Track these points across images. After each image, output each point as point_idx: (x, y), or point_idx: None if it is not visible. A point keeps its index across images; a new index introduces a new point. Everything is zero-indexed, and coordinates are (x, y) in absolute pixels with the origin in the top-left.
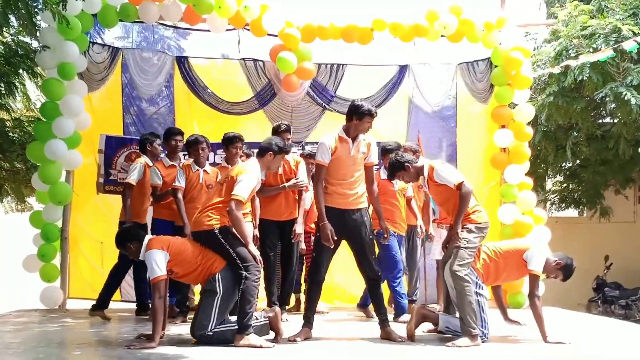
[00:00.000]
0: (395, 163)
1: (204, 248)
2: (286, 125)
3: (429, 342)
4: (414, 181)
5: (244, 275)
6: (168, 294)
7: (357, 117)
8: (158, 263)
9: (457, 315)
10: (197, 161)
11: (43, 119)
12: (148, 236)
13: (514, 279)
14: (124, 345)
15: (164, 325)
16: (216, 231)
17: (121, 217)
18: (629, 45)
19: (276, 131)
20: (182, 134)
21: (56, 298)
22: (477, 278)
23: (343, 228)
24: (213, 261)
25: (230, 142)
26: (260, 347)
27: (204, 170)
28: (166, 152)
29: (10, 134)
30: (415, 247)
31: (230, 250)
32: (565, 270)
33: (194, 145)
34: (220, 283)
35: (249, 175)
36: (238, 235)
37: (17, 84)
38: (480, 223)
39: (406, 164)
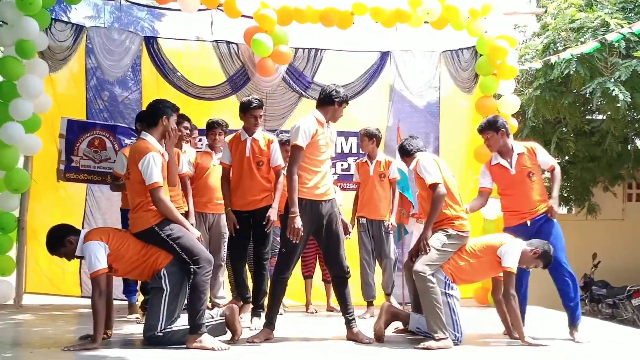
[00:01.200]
0: (399, 148)
1: (147, 243)
2: (258, 100)
3: (398, 343)
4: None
5: (192, 269)
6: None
7: (338, 102)
8: (97, 256)
9: None
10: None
11: None
12: (85, 229)
13: (489, 277)
14: (62, 346)
15: (111, 324)
16: (155, 227)
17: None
18: (612, 37)
19: (247, 107)
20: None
21: (8, 293)
22: (445, 278)
23: (317, 221)
24: (157, 256)
25: (209, 128)
26: (213, 349)
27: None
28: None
29: None
30: (382, 238)
31: (174, 245)
32: (544, 258)
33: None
34: (167, 279)
35: (147, 157)
36: (172, 218)
37: None
38: (461, 231)
39: (400, 153)
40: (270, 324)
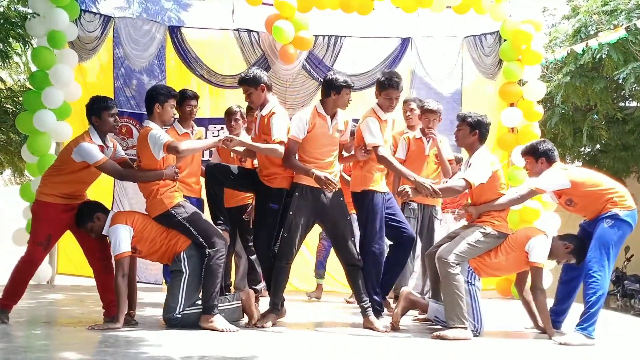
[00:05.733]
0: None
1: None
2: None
3: (415, 332)
4: (459, 144)
5: (207, 252)
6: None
7: (335, 91)
8: (122, 239)
9: None
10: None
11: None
12: (113, 211)
13: (517, 272)
14: (87, 325)
15: (134, 305)
16: (172, 211)
17: None
18: None
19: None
20: (197, 98)
21: (42, 274)
22: (469, 268)
23: (318, 209)
24: (177, 239)
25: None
26: (223, 330)
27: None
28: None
29: (5, 104)
30: (432, 231)
31: (191, 228)
32: (577, 254)
33: (226, 116)
34: (186, 262)
35: (150, 133)
36: (196, 150)
37: (12, 52)
38: (499, 232)
39: (467, 122)
40: (275, 309)
